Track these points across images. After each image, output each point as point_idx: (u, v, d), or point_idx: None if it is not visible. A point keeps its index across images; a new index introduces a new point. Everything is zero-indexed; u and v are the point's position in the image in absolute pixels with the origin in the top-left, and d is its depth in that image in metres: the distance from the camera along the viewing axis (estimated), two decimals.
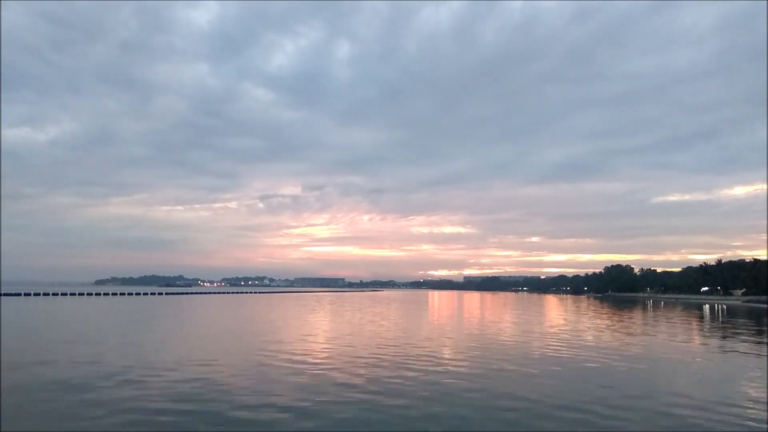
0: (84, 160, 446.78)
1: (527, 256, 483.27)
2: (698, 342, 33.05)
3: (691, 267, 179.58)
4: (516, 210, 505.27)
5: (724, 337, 36.01)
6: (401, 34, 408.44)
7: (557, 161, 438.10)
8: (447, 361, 22.54)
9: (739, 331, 41.74)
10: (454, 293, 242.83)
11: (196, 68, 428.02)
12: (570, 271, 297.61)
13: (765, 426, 12.73)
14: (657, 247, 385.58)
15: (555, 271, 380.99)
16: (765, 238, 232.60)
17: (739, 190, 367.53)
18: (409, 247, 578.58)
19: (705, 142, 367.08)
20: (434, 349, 26.34)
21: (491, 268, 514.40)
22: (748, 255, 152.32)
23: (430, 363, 21.71)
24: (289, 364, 21.00)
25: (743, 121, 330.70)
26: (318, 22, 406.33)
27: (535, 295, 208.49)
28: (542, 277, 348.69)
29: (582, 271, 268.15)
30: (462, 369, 20.46)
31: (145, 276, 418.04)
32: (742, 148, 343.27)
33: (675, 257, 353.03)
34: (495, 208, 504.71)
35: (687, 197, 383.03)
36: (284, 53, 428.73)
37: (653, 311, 75.96)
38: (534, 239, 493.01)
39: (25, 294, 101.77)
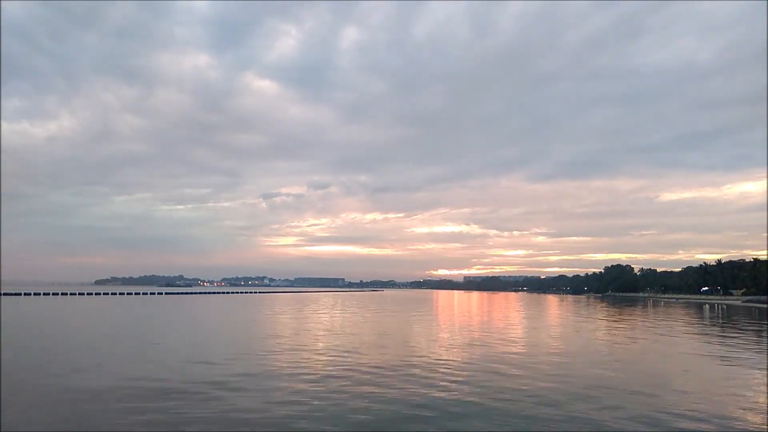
0: (84, 157, 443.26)
1: (533, 256, 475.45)
2: (699, 342, 33.04)
3: (691, 267, 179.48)
4: (520, 208, 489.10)
5: (724, 337, 36.01)
6: (411, 20, 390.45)
7: (566, 159, 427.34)
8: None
9: (739, 330, 41.74)
10: (455, 293, 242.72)
11: (196, 58, 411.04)
12: (575, 271, 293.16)
13: (765, 427, 12.72)
14: (666, 246, 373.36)
15: (560, 270, 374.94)
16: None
17: (750, 188, 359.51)
18: (410, 247, 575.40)
19: (717, 139, 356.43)
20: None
21: (493, 268, 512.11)
22: (756, 254, 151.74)
23: None
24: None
25: (757, 117, 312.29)
26: (323, 8, 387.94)
27: (535, 295, 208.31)
28: (542, 277, 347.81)
29: (588, 271, 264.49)
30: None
31: (144, 276, 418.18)
32: (755, 145, 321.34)
33: (685, 257, 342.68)
34: (499, 206, 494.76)
35: (696, 195, 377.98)
36: (287, 41, 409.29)
37: (654, 312, 75.86)
38: (539, 238, 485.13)
39: (25, 294, 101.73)
